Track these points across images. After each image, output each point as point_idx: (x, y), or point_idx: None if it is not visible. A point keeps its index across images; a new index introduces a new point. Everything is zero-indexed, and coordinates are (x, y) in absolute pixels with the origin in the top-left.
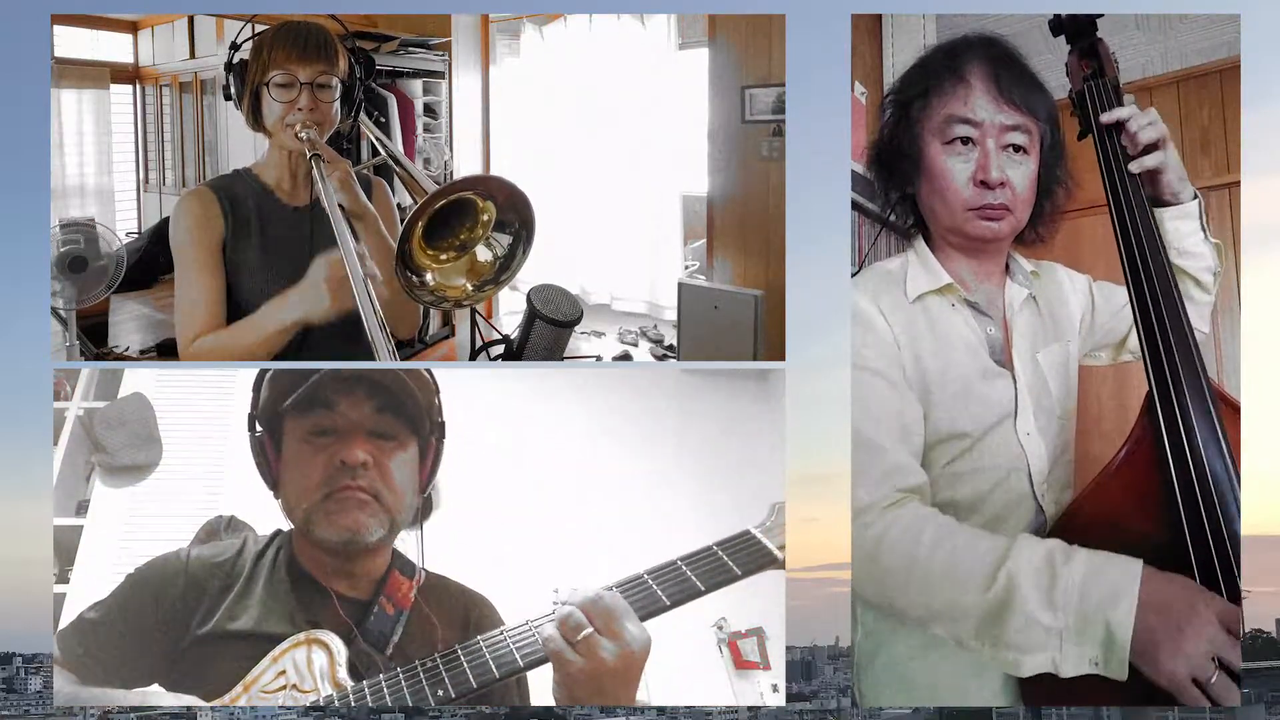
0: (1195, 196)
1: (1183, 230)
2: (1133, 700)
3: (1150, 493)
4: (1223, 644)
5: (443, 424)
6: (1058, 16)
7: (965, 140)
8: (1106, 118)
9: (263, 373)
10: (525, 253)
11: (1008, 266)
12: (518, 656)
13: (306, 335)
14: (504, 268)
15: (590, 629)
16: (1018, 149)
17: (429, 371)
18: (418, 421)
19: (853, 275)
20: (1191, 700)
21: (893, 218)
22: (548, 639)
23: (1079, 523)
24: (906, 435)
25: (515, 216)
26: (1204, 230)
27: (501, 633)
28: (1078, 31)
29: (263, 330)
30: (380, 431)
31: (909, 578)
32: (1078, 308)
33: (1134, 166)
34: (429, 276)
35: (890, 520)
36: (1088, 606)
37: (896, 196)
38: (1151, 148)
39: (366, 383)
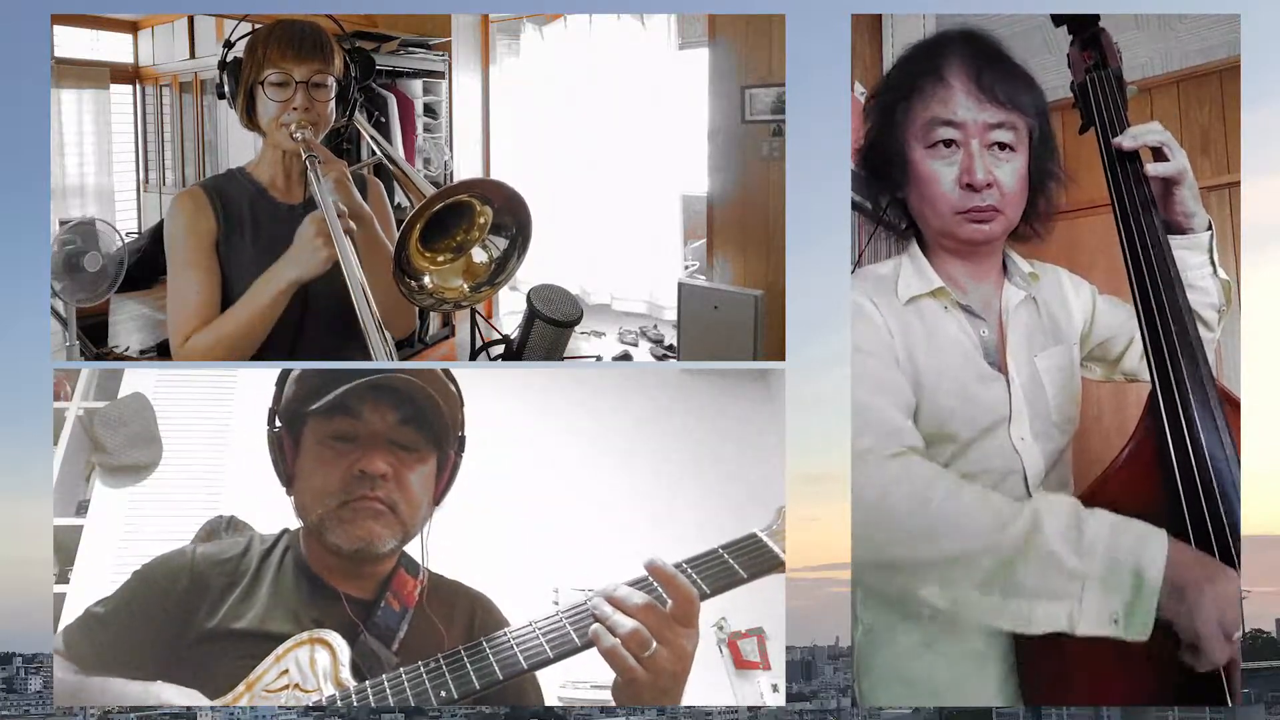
0: (1209, 228)
1: (1190, 262)
2: (1134, 688)
3: (1153, 490)
4: (1236, 613)
5: (463, 438)
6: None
7: (949, 142)
8: (1127, 142)
9: (287, 370)
10: (520, 257)
11: (1005, 267)
12: (521, 658)
13: (303, 327)
14: (499, 270)
15: (655, 644)
16: (1004, 146)
17: (455, 382)
18: (440, 435)
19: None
20: (1218, 653)
21: (888, 218)
22: (609, 649)
23: None
24: (901, 408)
25: (512, 220)
26: (1213, 265)
27: (505, 634)
28: (1080, 23)
29: (258, 302)
30: (402, 443)
31: (916, 523)
32: (1079, 312)
33: (1150, 169)
34: (427, 279)
35: (900, 467)
36: (1117, 552)
37: (887, 200)
38: (1160, 155)
39: (392, 393)
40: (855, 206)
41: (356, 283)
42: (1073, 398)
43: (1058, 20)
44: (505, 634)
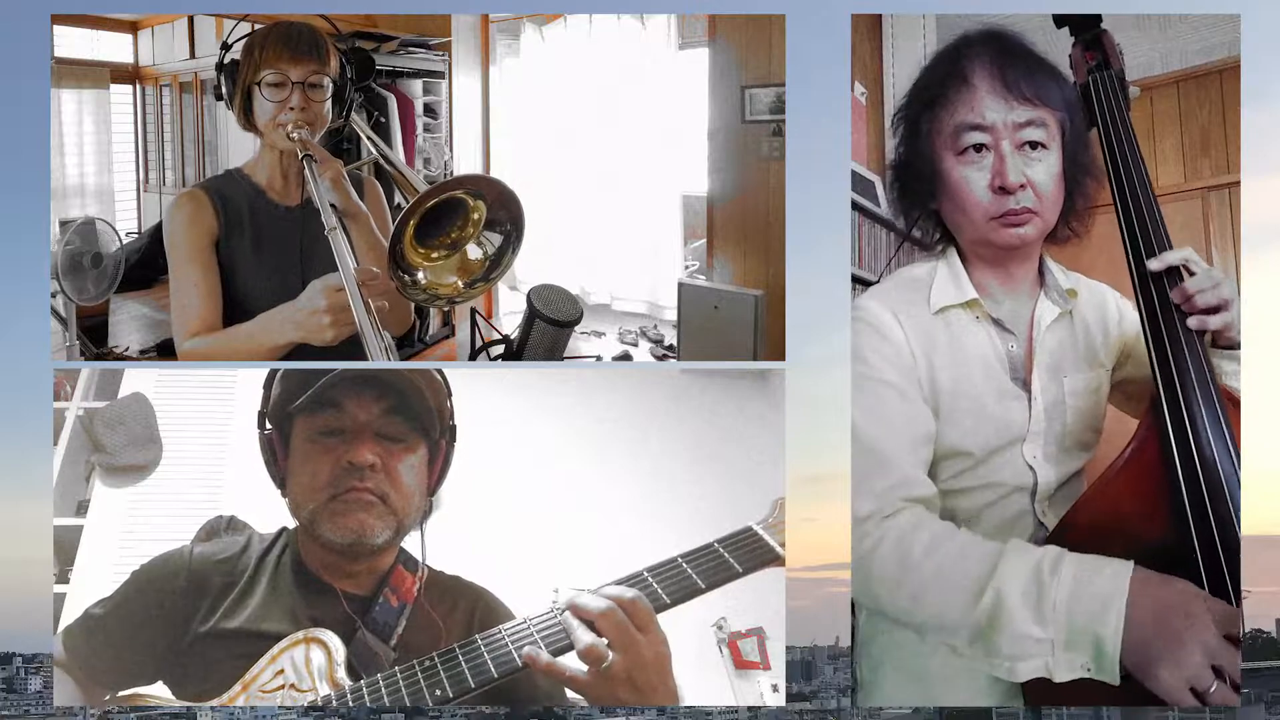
0: None
1: (1226, 369)
2: (1134, 697)
3: (1155, 492)
4: (1221, 651)
5: (454, 427)
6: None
7: (978, 147)
8: (1155, 265)
9: (274, 371)
10: (515, 251)
11: (1043, 279)
12: (516, 656)
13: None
14: (494, 265)
15: (613, 656)
16: (1035, 145)
17: (441, 374)
18: (427, 424)
19: (876, 282)
20: (1189, 708)
21: (918, 234)
22: (546, 665)
23: (1082, 525)
24: (917, 448)
25: (506, 215)
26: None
27: (500, 631)
28: (1082, 23)
29: (259, 345)
30: (389, 433)
31: (900, 588)
32: (1119, 341)
33: (1193, 322)
34: (420, 275)
35: (887, 529)
36: (1076, 619)
37: (918, 214)
38: (1214, 309)
39: (376, 384)
40: (855, 206)
41: (349, 270)
42: (1093, 424)
43: (1059, 21)
44: (500, 631)
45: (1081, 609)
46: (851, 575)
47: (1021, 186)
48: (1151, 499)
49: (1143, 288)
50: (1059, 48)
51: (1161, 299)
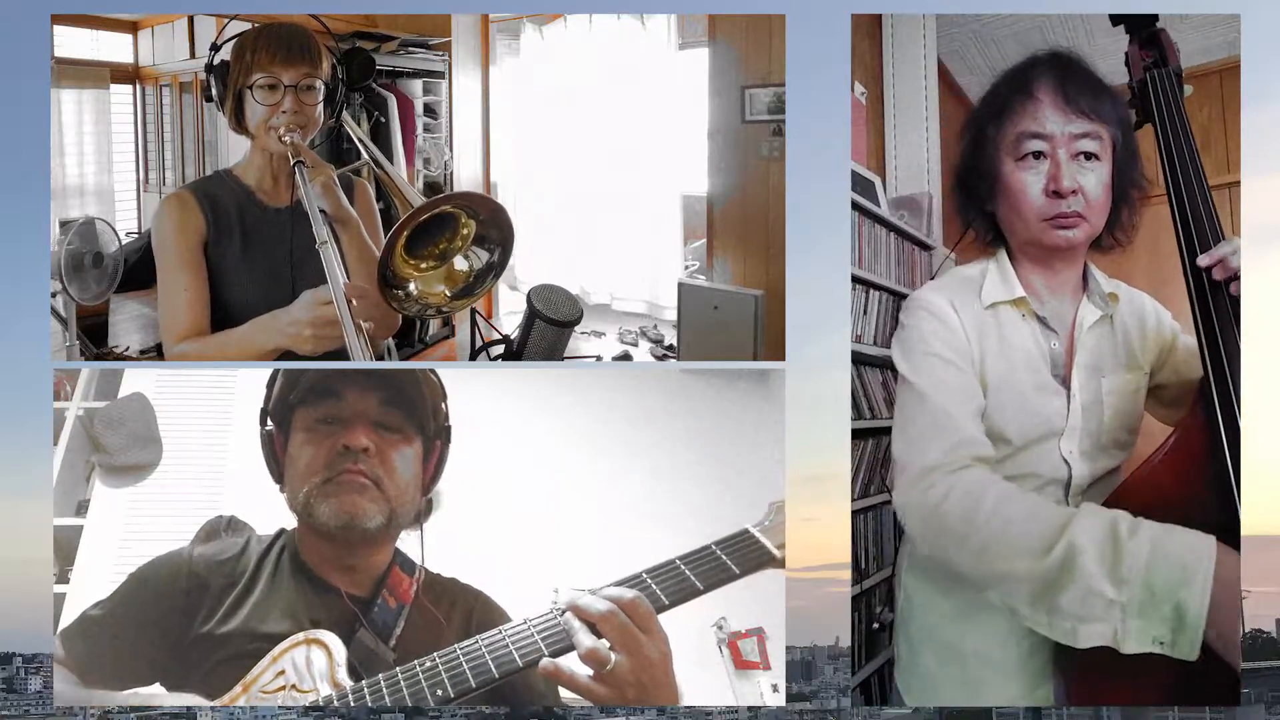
0: None
1: None
2: (1187, 679)
3: (1198, 480)
4: None
5: (449, 428)
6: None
7: (1037, 154)
8: (1204, 260)
9: (276, 371)
10: (497, 276)
11: (1086, 284)
12: (516, 656)
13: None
14: (478, 281)
15: (615, 658)
16: (1089, 156)
17: (436, 376)
18: (423, 419)
19: (931, 278)
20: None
21: (946, 250)
22: (552, 671)
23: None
24: (976, 416)
25: (496, 235)
26: None
27: (500, 632)
28: (1138, 22)
29: (246, 351)
30: (385, 423)
31: (966, 540)
32: (1156, 345)
33: (1235, 288)
34: (411, 286)
35: (954, 482)
36: (1156, 583)
37: (975, 214)
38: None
39: (375, 377)
40: (855, 206)
41: (339, 286)
42: (1129, 424)
43: (1115, 19)
44: (500, 632)
45: (1162, 574)
46: (912, 530)
47: (1074, 192)
48: (1195, 485)
49: (1194, 274)
50: (1108, 46)
51: (1211, 285)
